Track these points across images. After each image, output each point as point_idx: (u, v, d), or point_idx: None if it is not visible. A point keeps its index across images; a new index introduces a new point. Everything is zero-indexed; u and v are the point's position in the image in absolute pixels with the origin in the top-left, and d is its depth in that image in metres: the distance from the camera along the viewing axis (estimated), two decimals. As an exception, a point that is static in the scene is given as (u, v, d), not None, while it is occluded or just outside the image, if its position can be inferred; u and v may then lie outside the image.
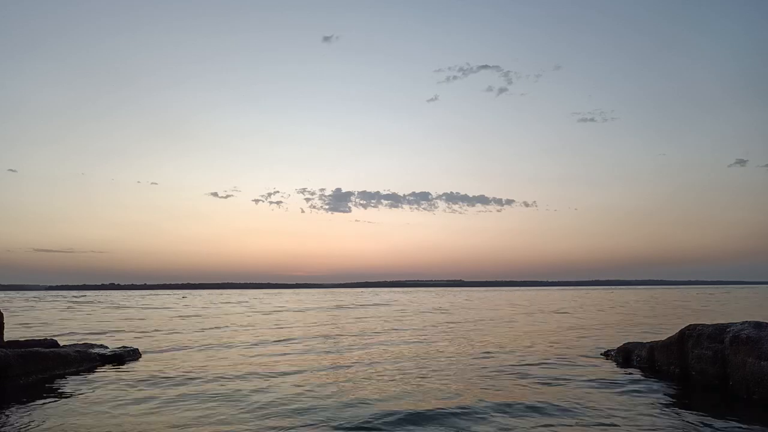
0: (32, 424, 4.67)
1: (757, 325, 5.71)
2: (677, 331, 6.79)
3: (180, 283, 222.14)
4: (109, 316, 22.20)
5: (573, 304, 31.64)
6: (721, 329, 6.05)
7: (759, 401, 5.13)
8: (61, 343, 9.21)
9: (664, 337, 7.31)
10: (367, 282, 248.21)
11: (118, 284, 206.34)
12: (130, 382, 6.68)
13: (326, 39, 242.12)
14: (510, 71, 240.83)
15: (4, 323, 7.98)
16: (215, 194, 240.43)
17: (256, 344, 11.01)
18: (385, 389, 6.14)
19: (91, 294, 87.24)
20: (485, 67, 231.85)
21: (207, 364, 8.26)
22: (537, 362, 8.19)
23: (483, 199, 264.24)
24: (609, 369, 7.57)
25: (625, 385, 6.37)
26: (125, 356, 8.63)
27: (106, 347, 9.25)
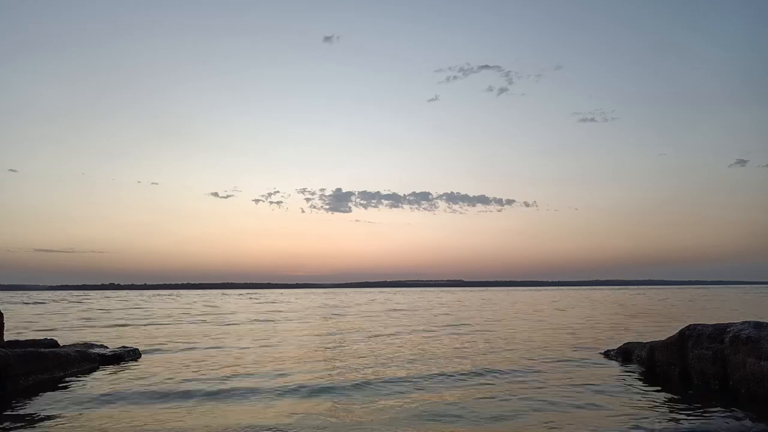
0: (32, 424, 4.67)
1: (757, 325, 5.72)
2: (677, 331, 6.79)
3: (180, 283, 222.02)
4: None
5: (573, 304, 31.64)
6: (721, 329, 6.06)
7: (759, 401, 5.13)
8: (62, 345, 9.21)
9: (664, 337, 7.32)
10: (367, 282, 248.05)
11: (118, 284, 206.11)
12: (129, 383, 6.68)
13: (327, 39, 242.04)
14: (510, 71, 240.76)
15: (3, 323, 7.99)
16: (216, 194, 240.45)
17: (267, 345, 11.01)
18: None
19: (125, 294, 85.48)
20: (486, 67, 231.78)
21: (207, 364, 8.26)
22: (537, 362, 8.20)
23: (483, 199, 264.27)
24: (609, 369, 7.57)
25: (625, 385, 6.38)
26: (125, 356, 8.64)
27: (106, 347, 9.26)
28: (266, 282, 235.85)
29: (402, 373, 7.10)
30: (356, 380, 6.61)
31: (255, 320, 18.59)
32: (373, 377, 6.83)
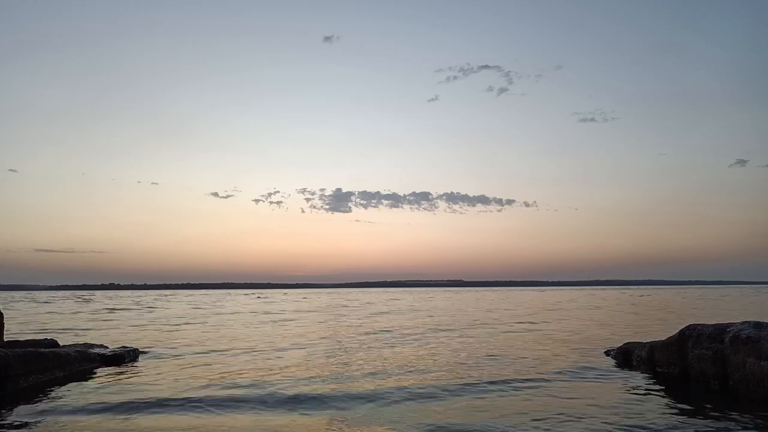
0: (31, 424, 4.67)
1: (757, 325, 5.71)
2: (677, 331, 6.79)
3: (180, 283, 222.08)
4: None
5: (572, 304, 31.64)
6: (721, 329, 6.05)
7: (759, 401, 5.13)
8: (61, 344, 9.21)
9: (664, 337, 7.31)
10: (367, 282, 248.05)
11: (118, 284, 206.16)
12: (128, 382, 6.69)
13: (327, 39, 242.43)
14: (510, 71, 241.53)
15: (3, 323, 7.99)
16: (216, 194, 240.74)
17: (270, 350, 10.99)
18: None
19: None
20: (486, 67, 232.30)
21: (206, 369, 8.26)
22: (536, 362, 8.20)
23: (483, 199, 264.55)
24: (609, 369, 7.56)
25: (625, 385, 6.37)
26: (125, 356, 8.64)
27: (106, 347, 9.26)
28: (266, 282, 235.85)
29: (405, 383, 6.50)
30: (360, 391, 6.11)
31: (262, 322, 18.38)
32: (374, 387, 6.50)
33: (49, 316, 22.08)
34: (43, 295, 78.54)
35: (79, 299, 47.92)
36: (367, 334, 13.16)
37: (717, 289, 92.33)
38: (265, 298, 51.75)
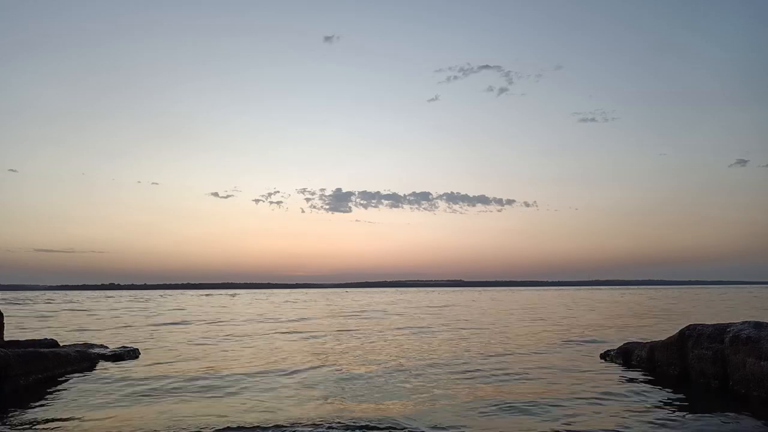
0: (31, 424, 4.67)
1: (757, 325, 5.71)
2: (677, 331, 6.78)
3: (180, 283, 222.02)
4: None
5: (573, 304, 31.61)
6: (721, 329, 6.05)
7: (759, 401, 5.12)
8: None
9: (664, 337, 7.31)
10: (367, 282, 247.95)
11: (118, 284, 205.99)
12: (128, 381, 6.68)
13: (327, 39, 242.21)
14: (511, 71, 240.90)
15: (3, 323, 7.99)
16: (216, 194, 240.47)
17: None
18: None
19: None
20: (486, 67, 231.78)
21: (208, 363, 8.26)
22: (536, 362, 8.19)
23: (483, 199, 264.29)
24: (609, 369, 7.56)
25: (625, 385, 6.37)
26: (125, 356, 8.65)
27: (106, 347, 9.27)
28: (266, 282, 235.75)
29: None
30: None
31: (275, 330, 15.19)
32: None
33: (81, 316, 22.07)
34: (48, 295, 78.18)
35: (138, 299, 46.54)
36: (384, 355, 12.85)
37: (717, 289, 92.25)
38: (303, 300, 43.60)
